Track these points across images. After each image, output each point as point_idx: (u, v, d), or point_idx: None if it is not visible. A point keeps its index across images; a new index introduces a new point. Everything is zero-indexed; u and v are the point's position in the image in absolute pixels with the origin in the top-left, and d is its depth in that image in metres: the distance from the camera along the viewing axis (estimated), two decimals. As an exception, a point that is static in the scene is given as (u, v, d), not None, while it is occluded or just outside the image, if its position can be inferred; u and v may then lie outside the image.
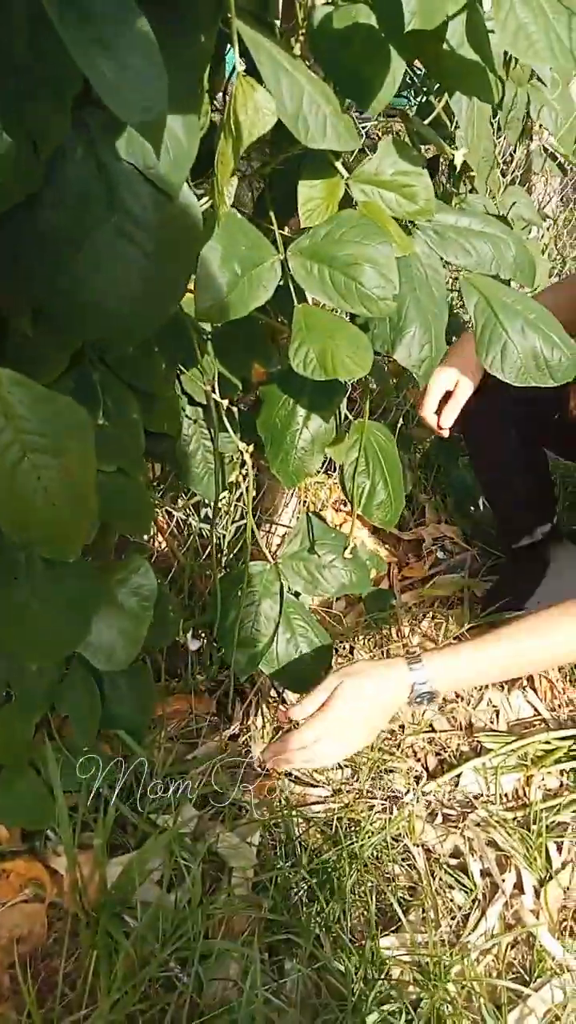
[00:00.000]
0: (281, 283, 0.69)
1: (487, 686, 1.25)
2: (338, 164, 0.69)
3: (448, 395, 1.15)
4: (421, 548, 1.57)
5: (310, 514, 1.05)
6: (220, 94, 0.74)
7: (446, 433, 1.19)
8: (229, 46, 0.57)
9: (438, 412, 1.15)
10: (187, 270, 0.59)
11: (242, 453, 0.92)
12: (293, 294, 0.67)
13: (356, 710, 0.86)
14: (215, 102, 0.69)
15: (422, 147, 1.13)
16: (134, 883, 0.91)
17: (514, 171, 1.72)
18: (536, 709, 1.23)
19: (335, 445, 0.90)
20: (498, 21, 0.52)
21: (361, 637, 1.34)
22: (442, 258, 0.72)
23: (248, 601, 0.99)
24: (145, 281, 0.55)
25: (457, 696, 1.24)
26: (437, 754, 1.17)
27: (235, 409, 0.99)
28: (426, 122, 1.02)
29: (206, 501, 1.28)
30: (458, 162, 0.80)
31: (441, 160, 1.34)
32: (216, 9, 0.54)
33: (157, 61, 0.42)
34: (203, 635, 1.22)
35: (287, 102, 0.57)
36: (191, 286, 0.65)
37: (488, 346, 0.69)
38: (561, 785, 1.13)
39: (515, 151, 1.70)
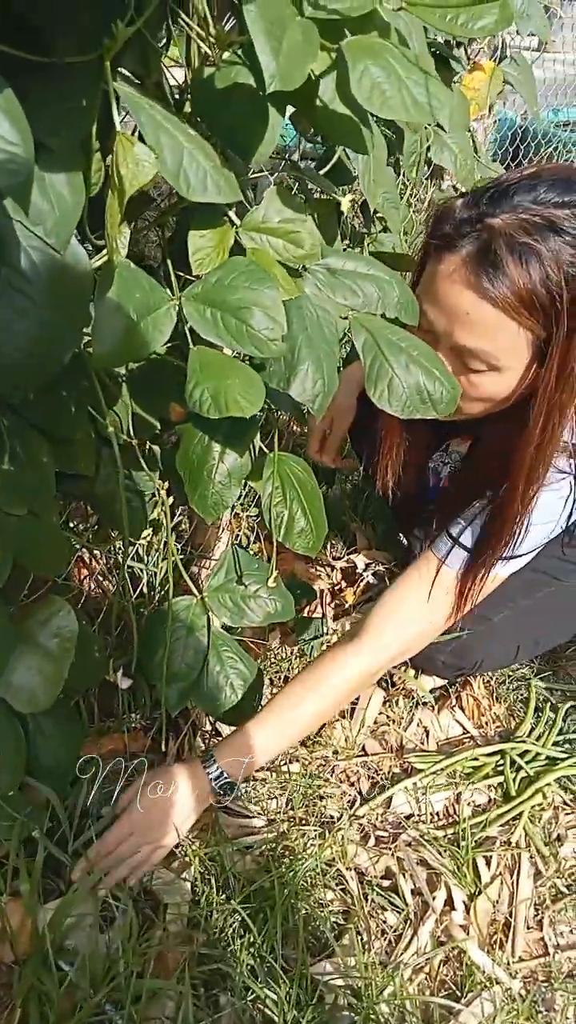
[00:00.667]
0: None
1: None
2: (231, 213, 0.73)
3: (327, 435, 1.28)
4: (354, 575, 1.60)
5: (235, 546, 1.07)
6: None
7: (334, 466, 1.32)
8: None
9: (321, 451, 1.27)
10: (79, 320, 0.62)
11: (158, 490, 0.94)
12: (189, 337, 0.70)
13: (157, 809, 0.95)
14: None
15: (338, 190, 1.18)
16: (66, 928, 0.90)
17: (426, 211, 1.80)
18: (464, 727, 1.26)
19: (253, 478, 0.93)
20: (354, 81, 0.56)
21: (294, 666, 1.35)
22: (330, 298, 0.76)
23: (176, 636, 1.00)
24: (35, 332, 0.57)
25: (388, 719, 1.27)
26: (370, 777, 1.18)
27: (156, 448, 1.02)
28: (329, 167, 1.07)
29: (132, 539, 1.30)
30: (345, 208, 0.84)
31: (351, 203, 1.40)
32: (96, 73, 0.58)
33: (23, 128, 0.44)
34: (135, 673, 1.22)
35: (168, 158, 0.60)
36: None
37: (376, 381, 0.73)
38: (489, 800, 1.15)
39: (427, 191, 1.78)
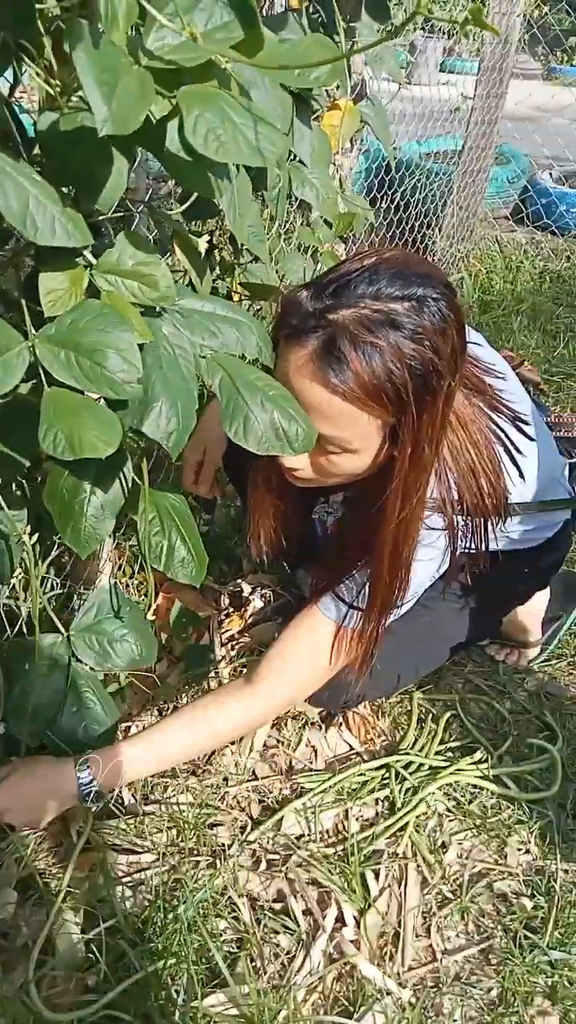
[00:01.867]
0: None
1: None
2: (87, 254, 0.73)
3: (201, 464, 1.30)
4: (241, 600, 1.62)
5: (112, 582, 1.07)
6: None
7: (210, 496, 1.34)
8: None
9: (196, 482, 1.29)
10: None
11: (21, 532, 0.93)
12: (43, 379, 0.69)
13: (20, 788, 0.97)
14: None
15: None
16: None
17: (297, 239, 1.84)
18: (350, 744, 1.29)
19: (130, 510, 0.93)
20: (188, 127, 0.58)
21: (185, 695, 1.35)
22: (189, 338, 0.77)
23: (39, 672, 0.99)
24: None
25: (277, 741, 1.28)
26: (260, 801, 1.19)
27: (24, 483, 1.00)
28: (191, 200, 1.09)
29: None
30: (201, 249, 0.86)
31: (218, 234, 1.43)
32: None
33: None
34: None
35: (13, 204, 0.60)
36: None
37: (232, 418, 0.75)
38: (377, 814, 1.18)
39: (295, 222, 1.82)
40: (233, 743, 1.26)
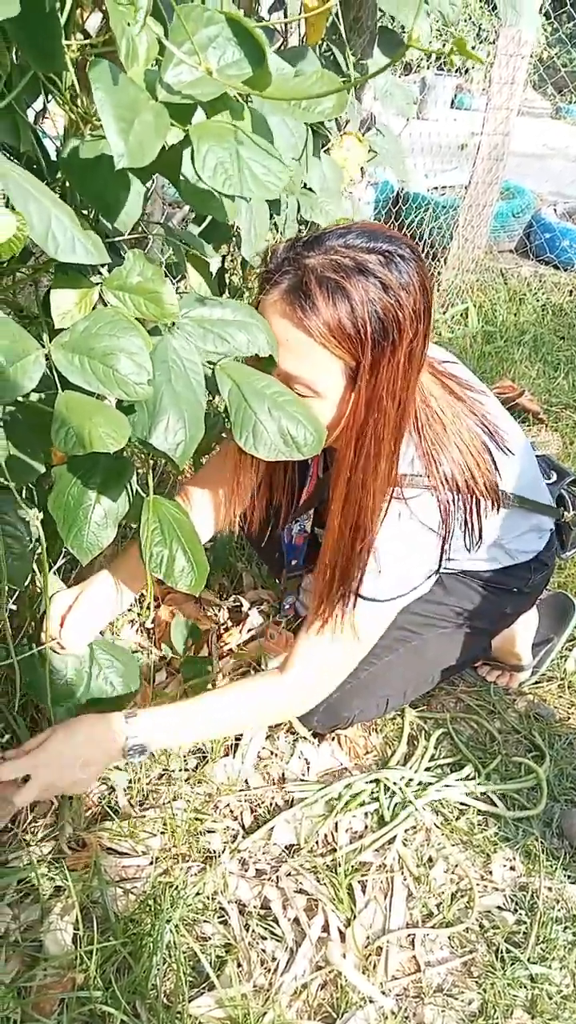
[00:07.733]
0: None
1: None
2: (103, 270, 0.77)
3: None
4: (240, 614, 1.64)
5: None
6: None
7: None
8: None
9: None
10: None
11: (38, 530, 0.96)
12: (58, 383, 0.73)
13: (65, 750, 0.96)
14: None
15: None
16: None
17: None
18: (343, 759, 1.31)
19: (131, 520, 0.96)
20: (198, 161, 0.62)
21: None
22: (200, 348, 0.81)
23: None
24: None
25: (271, 753, 1.30)
26: (252, 810, 1.21)
27: (34, 491, 1.04)
28: (206, 223, 1.14)
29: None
30: (213, 269, 0.91)
31: (229, 258, 1.48)
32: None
33: None
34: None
35: (36, 223, 0.64)
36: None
37: (241, 428, 0.79)
38: (366, 827, 1.20)
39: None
40: (227, 753, 1.28)
